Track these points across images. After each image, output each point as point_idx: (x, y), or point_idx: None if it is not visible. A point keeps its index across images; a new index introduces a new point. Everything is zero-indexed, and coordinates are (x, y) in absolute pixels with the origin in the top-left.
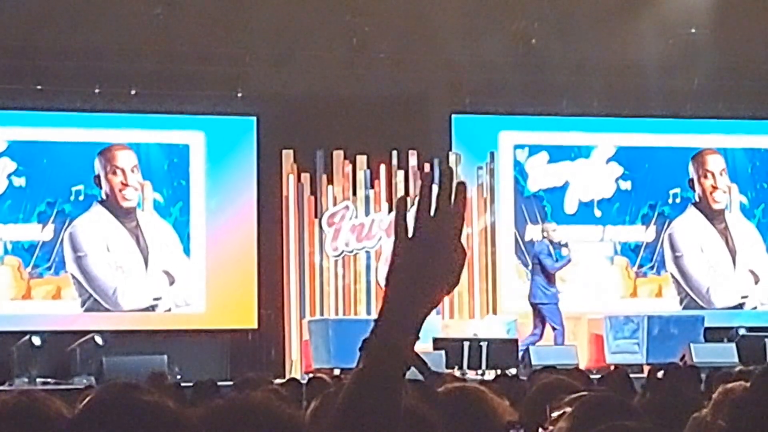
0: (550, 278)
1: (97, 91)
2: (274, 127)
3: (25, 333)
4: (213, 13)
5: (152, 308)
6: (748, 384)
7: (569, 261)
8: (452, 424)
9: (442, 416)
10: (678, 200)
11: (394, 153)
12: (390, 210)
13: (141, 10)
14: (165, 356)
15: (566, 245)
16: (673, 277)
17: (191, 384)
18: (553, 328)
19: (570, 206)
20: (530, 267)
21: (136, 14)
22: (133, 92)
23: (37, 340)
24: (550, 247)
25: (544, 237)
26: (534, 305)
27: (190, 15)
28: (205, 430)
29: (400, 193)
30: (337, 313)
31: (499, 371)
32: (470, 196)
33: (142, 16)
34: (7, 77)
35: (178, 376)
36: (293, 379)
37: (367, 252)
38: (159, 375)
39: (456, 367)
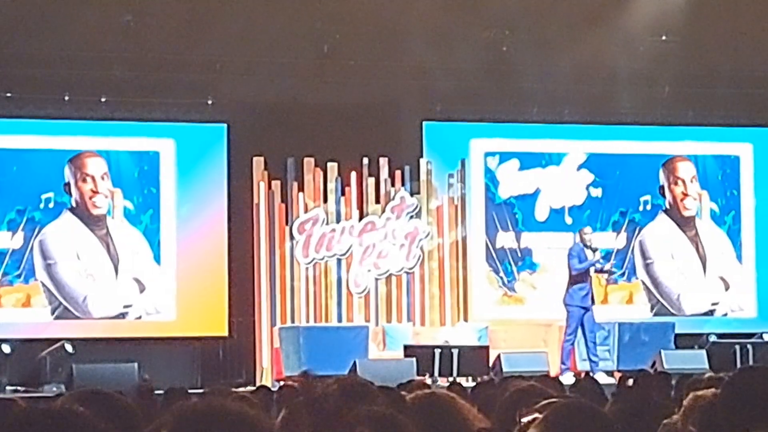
0: (576, 281)
1: (67, 98)
2: (245, 135)
3: None
4: (183, 20)
5: (122, 316)
6: (718, 390)
7: (592, 265)
8: (422, 431)
9: (411, 423)
10: (648, 207)
11: (365, 160)
12: (361, 217)
13: (111, 17)
14: (135, 364)
15: (596, 250)
16: (643, 284)
17: (162, 392)
18: (566, 333)
19: (541, 213)
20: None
21: (106, 22)
22: (103, 99)
23: (6, 348)
24: (585, 251)
25: (579, 241)
26: (565, 306)
27: (161, 22)
28: None
29: (371, 199)
30: (308, 321)
31: (470, 378)
32: (441, 204)
33: (112, 24)
34: None
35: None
36: (263, 387)
37: (338, 259)
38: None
39: (427, 375)
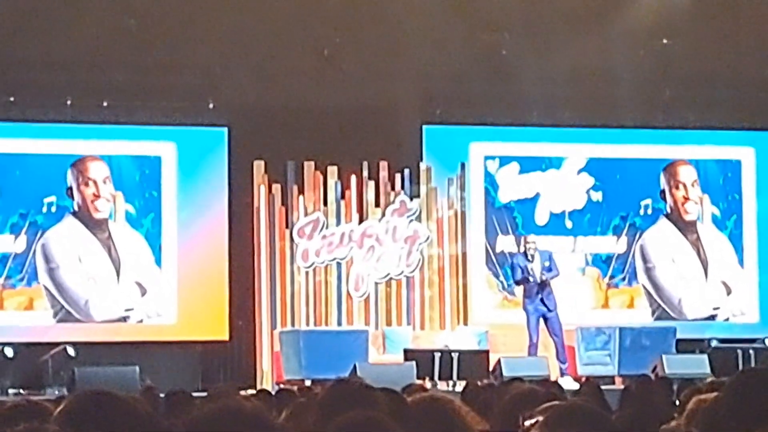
0: (525, 292)
1: (69, 102)
2: (246, 138)
3: None
4: (184, 24)
5: (124, 319)
6: (720, 393)
7: (525, 279)
8: None
9: (412, 427)
10: (649, 211)
11: (365, 164)
12: (361, 221)
13: (113, 21)
14: (137, 367)
15: (532, 260)
16: (644, 288)
17: (163, 395)
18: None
19: (541, 217)
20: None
21: (108, 26)
22: (105, 104)
23: (9, 352)
24: (524, 261)
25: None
26: None
27: (162, 26)
28: None
29: (371, 203)
30: (308, 324)
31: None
32: (441, 208)
33: (114, 28)
34: None
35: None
36: (263, 390)
37: (338, 263)
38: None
39: (427, 378)
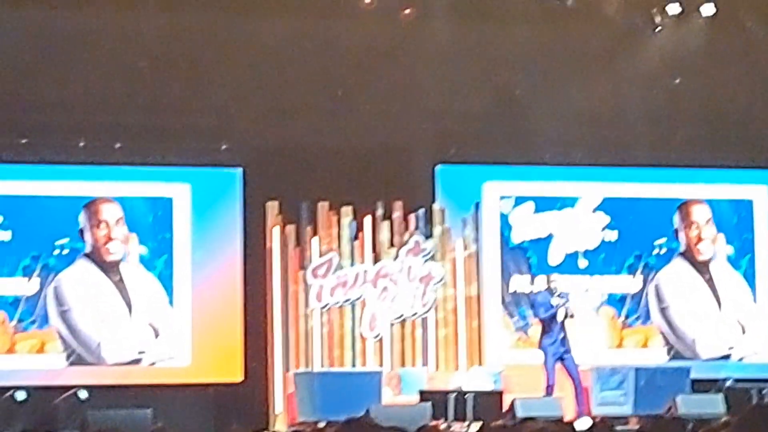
0: (545, 329)
1: (81, 144)
2: (259, 179)
3: (8, 388)
4: (197, 65)
5: (137, 362)
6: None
7: (554, 313)
8: None
9: None
10: (664, 251)
11: (379, 204)
12: (375, 261)
13: (125, 63)
14: (149, 410)
15: (561, 296)
16: (659, 328)
17: None
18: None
19: (555, 257)
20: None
21: (120, 67)
22: (117, 145)
23: (21, 395)
24: (550, 298)
25: (545, 287)
26: None
27: (175, 68)
28: None
29: (386, 243)
30: (322, 366)
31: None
32: (455, 248)
33: (126, 69)
34: None
35: None
36: None
37: (352, 303)
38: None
39: (442, 419)
